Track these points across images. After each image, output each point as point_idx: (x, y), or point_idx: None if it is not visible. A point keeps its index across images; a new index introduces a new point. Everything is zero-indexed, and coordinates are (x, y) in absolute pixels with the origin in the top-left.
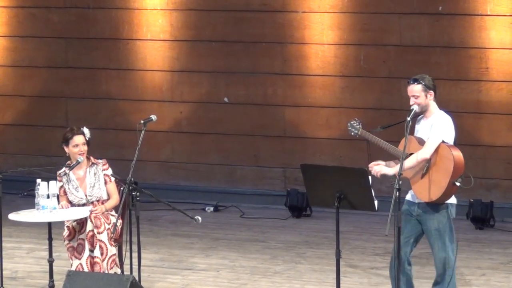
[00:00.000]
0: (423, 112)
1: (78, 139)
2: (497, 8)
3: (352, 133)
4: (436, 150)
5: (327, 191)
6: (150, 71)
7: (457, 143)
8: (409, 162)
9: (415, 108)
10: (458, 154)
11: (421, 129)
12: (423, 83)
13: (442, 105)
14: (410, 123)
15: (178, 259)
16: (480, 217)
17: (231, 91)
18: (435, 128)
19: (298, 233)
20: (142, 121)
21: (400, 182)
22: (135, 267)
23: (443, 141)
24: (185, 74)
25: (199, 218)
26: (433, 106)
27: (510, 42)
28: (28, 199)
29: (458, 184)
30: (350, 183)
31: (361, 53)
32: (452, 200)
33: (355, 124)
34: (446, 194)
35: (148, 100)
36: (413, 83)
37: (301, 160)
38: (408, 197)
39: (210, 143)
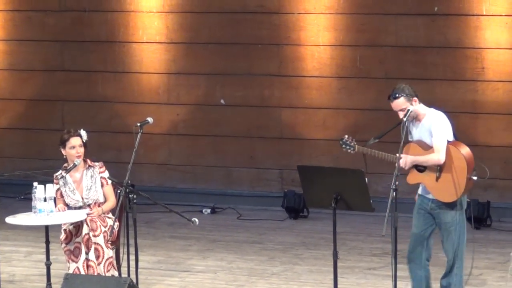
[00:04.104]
0: (415, 117)
1: (74, 141)
2: (492, 8)
3: (347, 150)
4: (446, 152)
5: (324, 192)
6: (147, 73)
7: None
8: (423, 158)
9: (411, 108)
10: (466, 150)
11: (418, 132)
12: (403, 95)
13: (438, 105)
14: (406, 123)
15: (175, 261)
16: (477, 216)
17: (227, 93)
18: (436, 132)
19: (295, 234)
20: (138, 124)
21: (397, 182)
22: (132, 269)
23: (447, 141)
24: (182, 76)
25: (196, 220)
26: (422, 109)
27: (506, 42)
28: (25, 203)
29: (475, 178)
30: (347, 184)
31: (357, 54)
32: None
33: (348, 142)
34: (466, 190)
35: (144, 103)
36: (394, 99)
37: (298, 162)
38: (420, 190)
39: (207, 145)
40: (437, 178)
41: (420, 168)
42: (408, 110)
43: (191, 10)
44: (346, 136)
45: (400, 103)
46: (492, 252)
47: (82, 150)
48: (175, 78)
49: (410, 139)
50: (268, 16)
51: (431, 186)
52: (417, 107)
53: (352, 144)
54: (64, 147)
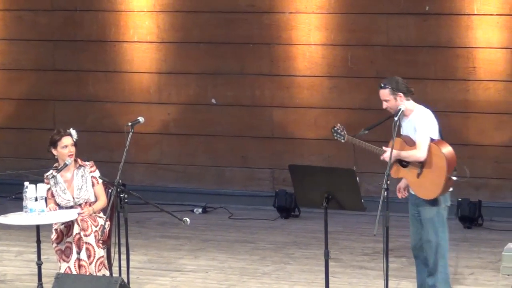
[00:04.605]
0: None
1: (66, 140)
2: (484, 7)
3: (338, 139)
4: (428, 149)
5: (315, 192)
6: (138, 73)
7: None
8: (405, 154)
9: (402, 107)
10: (448, 149)
11: (405, 127)
12: (389, 87)
13: (429, 105)
14: (398, 123)
15: (167, 261)
16: (469, 216)
17: (218, 92)
18: (420, 129)
19: (286, 233)
20: (129, 123)
21: (388, 182)
22: (123, 269)
23: (431, 139)
24: (173, 76)
25: (188, 219)
26: (409, 105)
27: (497, 41)
28: (16, 202)
29: (454, 178)
30: (338, 183)
31: (348, 53)
32: None
33: (339, 130)
34: (445, 189)
35: (135, 102)
36: (381, 88)
37: (289, 161)
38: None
39: (198, 144)
40: (418, 175)
41: (404, 163)
42: (400, 109)
43: (182, 9)
44: (338, 125)
45: (384, 94)
46: (484, 252)
47: (73, 149)
48: (166, 78)
49: (401, 133)
50: (259, 15)
51: (412, 182)
52: (405, 103)
53: (342, 133)
54: (55, 147)
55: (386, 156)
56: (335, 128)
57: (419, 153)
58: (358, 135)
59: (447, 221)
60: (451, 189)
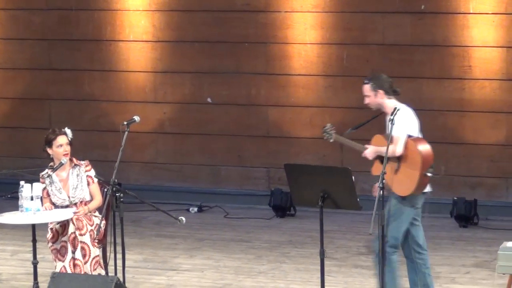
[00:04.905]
0: (382, 110)
1: (61, 140)
2: (479, 6)
3: (325, 138)
4: (405, 146)
5: (311, 191)
6: (133, 72)
7: (440, 142)
8: (382, 149)
9: (399, 107)
10: (424, 147)
11: (387, 126)
12: (370, 83)
13: (425, 103)
14: (393, 121)
15: (162, 260)
16: (464, 215)
17: (214, 91)
18: (397, 125)
19: (282, 232)
20: (125, 122)
21: (384, 180)
22: (119, 268)
23: (408, 136)
24: (168, 75)
25: (183, 218)
26: (390, 103)
27: (493, 40)
28: (12, 201)
29: (429, 174)
30: (334, 182)
31: (344, 52)
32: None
33: (328, 130)
34: (420, 186)
35: (131, 101)
36: (364, 83)
37: (284, 160)
38: None
39: (194, 143)
40: (396, 170)
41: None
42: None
43: (178, 8)
44: (329, 125)
45: (365, 89)
46: (479, 251)
47: (69, 148)
48: (162, 77)
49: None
50: (255, 14)
51: (390, 177)
52: (385, 101)
53: (331, 132)
54: (50, 146)
55: (366, 152)
56: (325, 128)
57: (394, 148)
58: (345, 134)
59: (414, 226)
60: (427, 189)
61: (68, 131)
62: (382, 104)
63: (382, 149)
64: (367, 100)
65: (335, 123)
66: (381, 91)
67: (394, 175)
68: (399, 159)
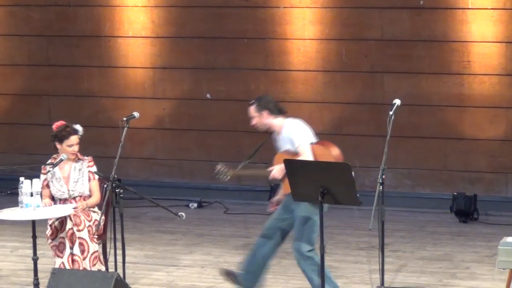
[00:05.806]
0: (270, 130)
1: (74, 139)
2: (478, 1)
3: (223, 179)
4: (312, 152)
5: (310, 186)
6: (132, 68)
7: (440, 137)
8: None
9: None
10: (331, 148)
11: (282, 144)
12: (255, 105)
13: (424, 99)
14: (393, 117)
15: (162, 256)
16: (464, 210)
17: (213, 87)
18: (296, 138)
19: None
20: (124, 118)
21: (384, 176)
22: (119, 264)
23: (311, 143)
24: (167, 70)
25: (183, 214)
26: (277, 122)
27: (492, 35)
28: (11, 197)
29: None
30: (333, 178)
31: (343, 48)
32: None
33: (221, 170)
34: None
35: (130, 97)
36: (250, 104)
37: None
38: None
39: (193, 139)
40: None
41: None
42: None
43: (177, 4)
44: (219, 165)
45: (251, 111)
46: (479, 246)
47: (77, 148)
48: (160, 73)
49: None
50: (254, 10)
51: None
52: (272, 121)
53: (225, 171)
54: (61, 142)
55: (274, 173)
56: (217, 170)
57: (305, 158)
58: (241, 167)
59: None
60: None
61: (79, 128)
62: (269, 124)
63: None
64: (253, 121)
65: (333, 119)
66: (265, 112)
67: None
68: None
